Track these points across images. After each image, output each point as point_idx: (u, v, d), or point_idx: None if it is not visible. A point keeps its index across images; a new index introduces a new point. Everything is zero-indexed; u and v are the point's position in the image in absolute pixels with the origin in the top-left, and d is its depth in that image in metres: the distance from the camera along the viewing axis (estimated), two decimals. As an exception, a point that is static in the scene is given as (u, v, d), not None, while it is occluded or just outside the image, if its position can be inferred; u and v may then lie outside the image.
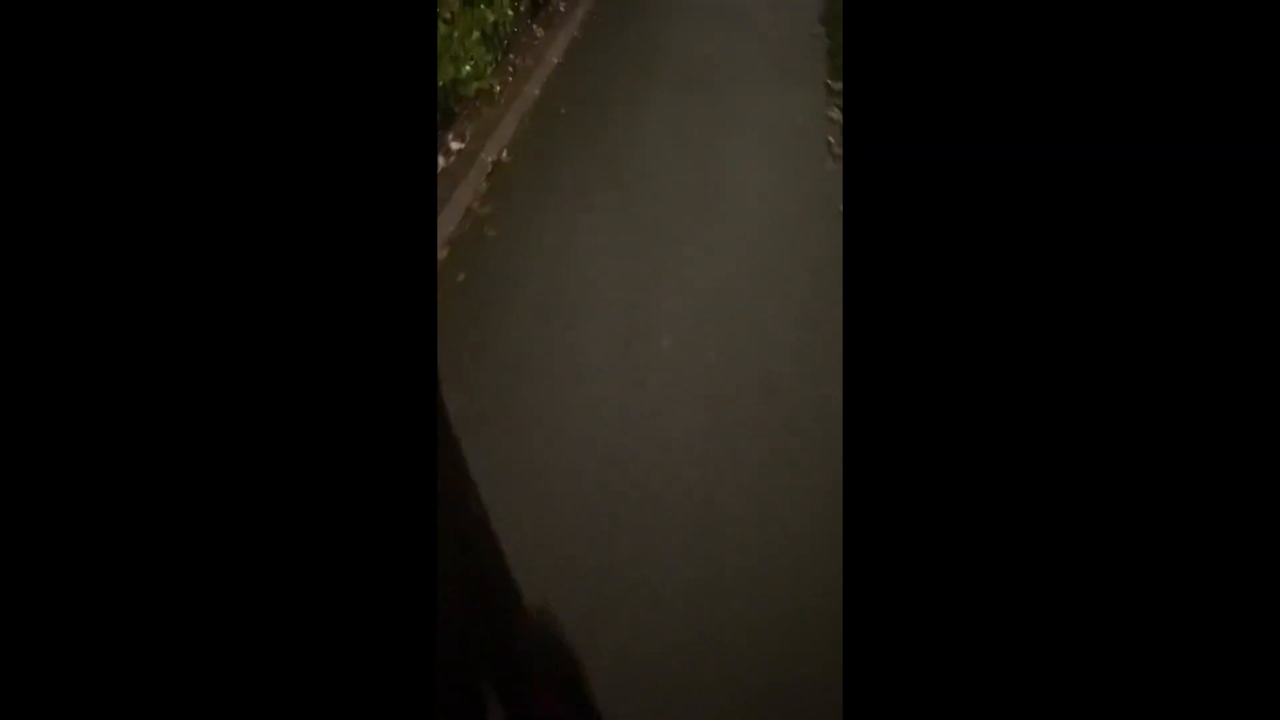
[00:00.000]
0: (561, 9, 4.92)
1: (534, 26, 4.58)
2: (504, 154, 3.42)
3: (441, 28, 3.26)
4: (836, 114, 3.65)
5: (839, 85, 3.87)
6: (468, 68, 3.49)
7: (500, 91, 3.84)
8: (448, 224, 2.93)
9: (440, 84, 3.29)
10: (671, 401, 2.17)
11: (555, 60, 4.33)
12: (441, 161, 3.26)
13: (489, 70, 3.78)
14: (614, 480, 1.96)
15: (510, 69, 4.09)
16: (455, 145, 3.37)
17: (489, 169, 3.30)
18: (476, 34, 3.60)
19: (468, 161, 3.23)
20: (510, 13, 4.18)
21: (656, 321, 2.44)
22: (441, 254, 2.80)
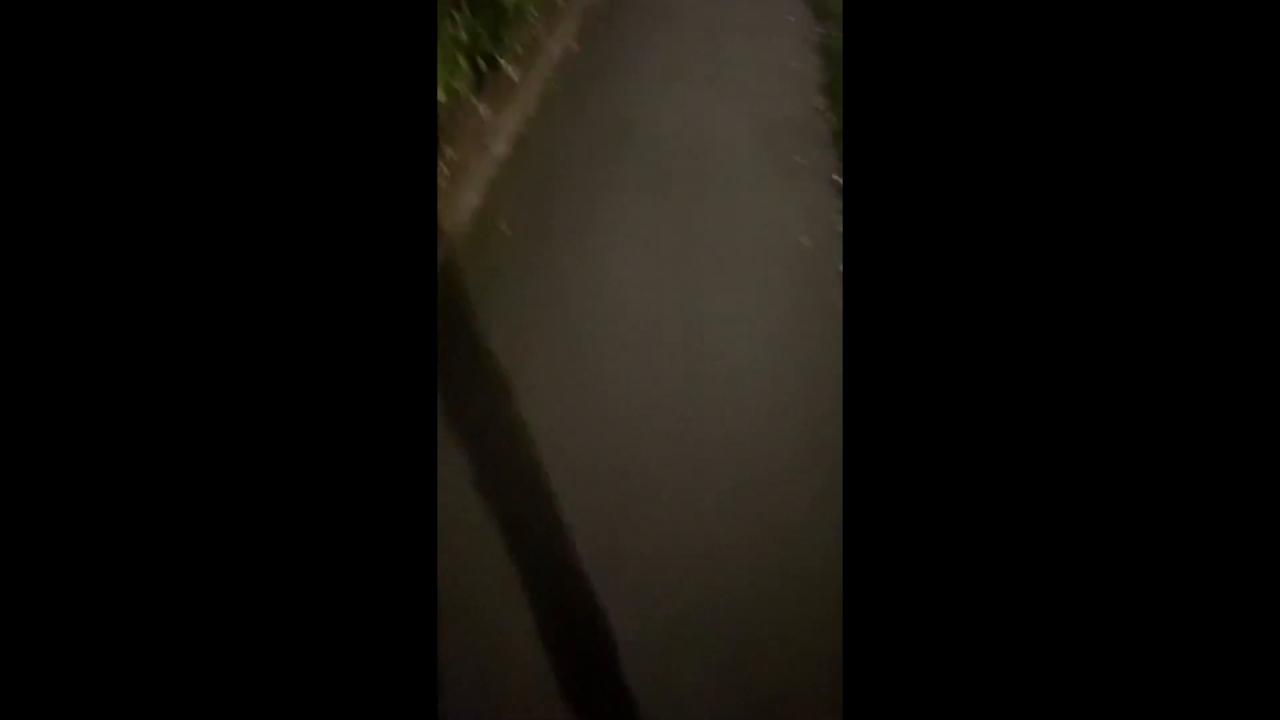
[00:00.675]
0: (515, 77, 4.16)
1: (479, 105, 3.82)
2: (424, 303, 2.65)
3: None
4: (849, 227, 2.90)
5: (849, 184, 3.12)
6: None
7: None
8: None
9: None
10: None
11: (503, 151, 3.57)
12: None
13: (412, 181, 3.02)
14: None
15: (445, 170, 3.32)
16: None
17: (403, 328, 2.53)
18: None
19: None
20: (444, 97, 3.42)
21: (601, 655, 1.67)
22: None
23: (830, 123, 3.60)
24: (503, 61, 4.13)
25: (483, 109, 3.80)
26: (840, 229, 2.87)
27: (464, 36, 3.60)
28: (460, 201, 3.12)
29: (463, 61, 3.63)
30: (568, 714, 1.51)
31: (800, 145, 3.42)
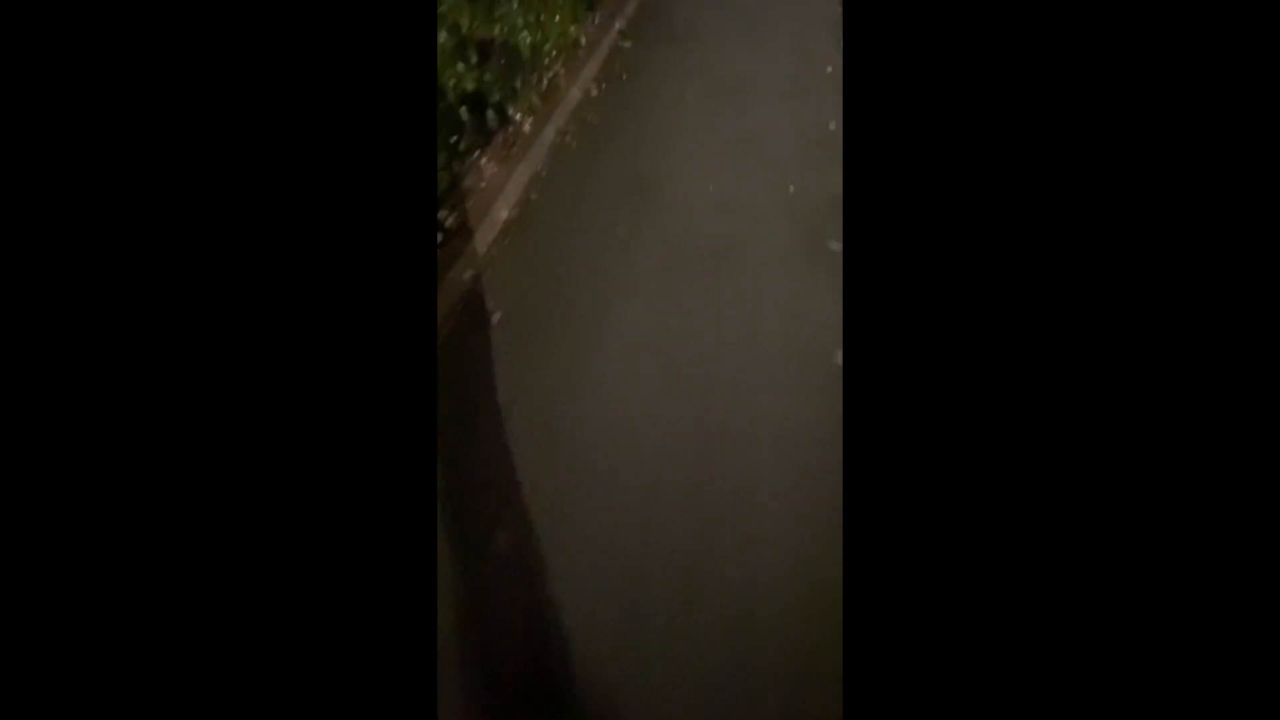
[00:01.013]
0: (526, 129, 3.83)
1: (483, 162, 3.48)
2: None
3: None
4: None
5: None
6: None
7: (412, 283, 2.72)
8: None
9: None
10: None
11: (504, 215, 3.22)
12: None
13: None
14: None
15: (439, 236, 2.98)
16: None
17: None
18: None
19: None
20: (443, 155, 3.08)
21: None
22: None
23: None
24: (514, 112, 3.80)
25: (487, 166, 3.47)
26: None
27: (469, 87, 3.27)
28: (451, 278, 2.76)
29: (467, 116, 3.30)
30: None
31: (838, 228, 3.04)
